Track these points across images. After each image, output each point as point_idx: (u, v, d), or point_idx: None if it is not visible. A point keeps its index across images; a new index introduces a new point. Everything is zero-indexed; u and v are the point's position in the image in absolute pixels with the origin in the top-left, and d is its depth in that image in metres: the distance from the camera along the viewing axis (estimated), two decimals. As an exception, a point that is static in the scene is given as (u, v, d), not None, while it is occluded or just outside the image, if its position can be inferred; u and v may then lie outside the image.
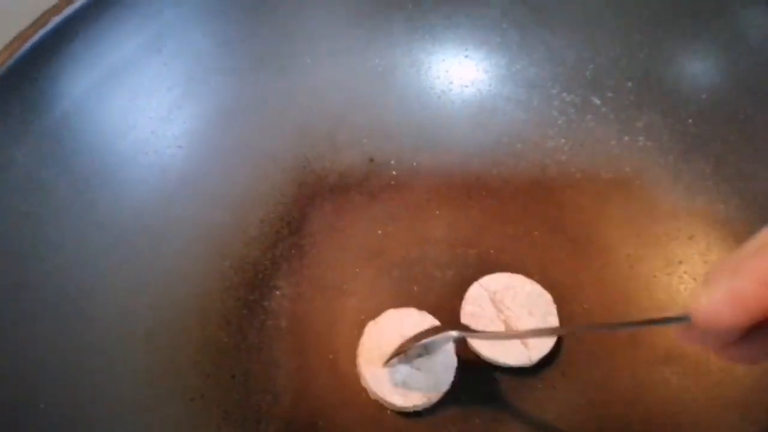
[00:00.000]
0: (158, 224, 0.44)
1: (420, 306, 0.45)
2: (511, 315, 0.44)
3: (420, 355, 0.42)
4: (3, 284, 0.36)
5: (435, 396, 0.41)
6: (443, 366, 0.42)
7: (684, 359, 0.42)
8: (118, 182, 0.42)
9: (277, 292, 0.46)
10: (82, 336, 0.39)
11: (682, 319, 0.26)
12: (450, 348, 0.42)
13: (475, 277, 0.46)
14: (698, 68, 0.47)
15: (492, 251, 0.48)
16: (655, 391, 0.41)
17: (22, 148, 0.37)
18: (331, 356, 0.44)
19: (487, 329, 0.43)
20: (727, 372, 0.41)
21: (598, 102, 0.50)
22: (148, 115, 0.44)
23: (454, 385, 0.42)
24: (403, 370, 0.42)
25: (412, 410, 0.41)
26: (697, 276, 0.44)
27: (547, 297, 0.44)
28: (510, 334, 0.43)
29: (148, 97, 0.44)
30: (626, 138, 0.49)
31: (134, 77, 0.43)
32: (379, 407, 0.42)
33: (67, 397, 0.36)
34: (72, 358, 0.37)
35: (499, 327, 0.43)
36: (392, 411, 0.42)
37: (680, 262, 0.45)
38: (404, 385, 0.41)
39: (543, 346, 0.42)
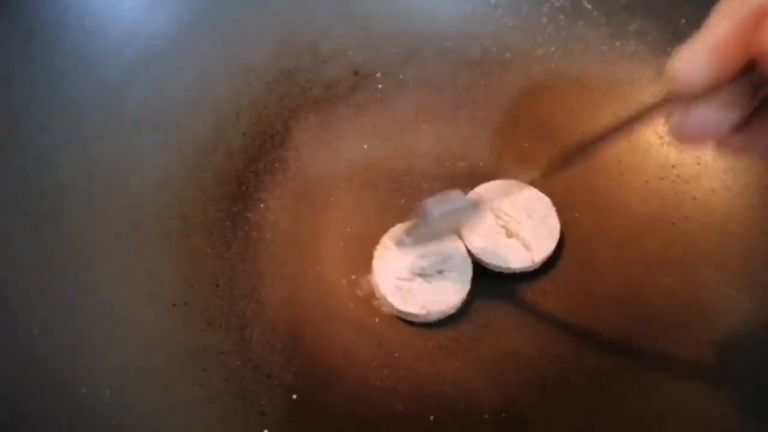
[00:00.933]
0: (132, 128, 0.42)
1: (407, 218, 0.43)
2: (510, 220, 0.43)
3: (438, 269, 0.41)
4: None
5: (433, 312, 0.40)
6: (454, 286, 0.41)
7: (675, 263, 0.41)
8: (92, 84, 0.41)
9: (261, 205, 0.45)
10: (61, 234, 0.37)
11: (668, 101, 0.25)
12: (467, 269, 0.41)
13: (464, 190, 0.45)
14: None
15: (481, 163, 0.47)
16: (645, 292, 0.41)
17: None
18: (317, 267, 0.43)
19: (487, 236, 0.42)
20: (719, 270, 0.40)
21: (589, 6, 0.48)
22: (123, 15, 0.42)
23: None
24: (416, 279, 0.41)
25: (405, 317, 0.41)
26: (690, 179, 0.44)
27: (546, 200, 0.43)
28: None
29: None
30: (617, 43, 0.48)
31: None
32: (367, 315, 0.42)
33: (47, 296, 0.35)
34: (52, 255, 0.36)
35: (499, 233, 0.42)
36: (380, 319, 0.41)
37: (673, 166, 0.44)
38: (408, 291, 0.40)
39: (545, 249, 0.41)
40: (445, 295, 0.40)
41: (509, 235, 0.42)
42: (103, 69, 0.41)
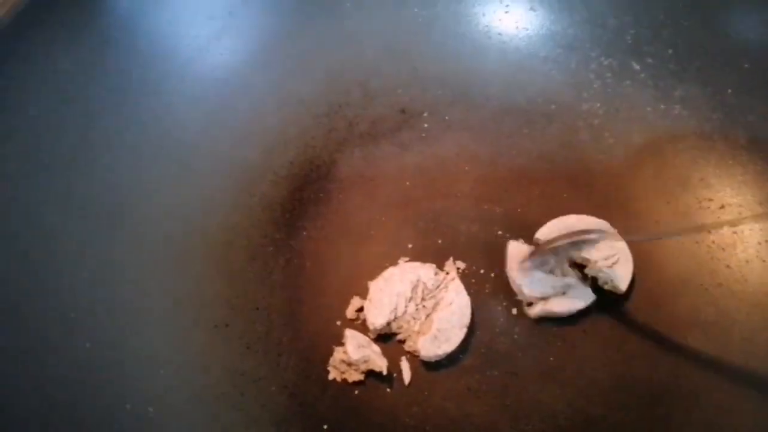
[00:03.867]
0: (190, 154, 0.44)
1: (444, 257, 0.45)
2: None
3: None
4: (49, 196, 0.36)
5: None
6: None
7: (706, 327, 0.42)
8: (154, 107, 0.42)
9: (304, 233, 0.47)
10: (115, 252, 0.39)
11: None
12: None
13: (503, 234, 0.46)
14: (743, 39, 0.46)
15: (519, 209, 0.48)
16: (675, 353, 0.41)
17: (67, 59, 0.37)
18: (354, 300, 0.44)
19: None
20: (748, 341, 0.41)
21: (637, 68, 0.49)
22: (187, 43, 0.44)
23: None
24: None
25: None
26: (726, 246, 0.44)
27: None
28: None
29: (188, 24, 0.44)
30: (662, 106, 0.49)
31: (178, 0, 0.43)
32: (398, 352, 0.43)
33: (100, 312, 0.37)
34: (105, 273, 0.38)
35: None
36: (410, 356, 0.42)
37: (709, 232, 0.45)
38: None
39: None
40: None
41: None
42: (166, 94, 0.43)
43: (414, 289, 0.43)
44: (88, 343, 0.35)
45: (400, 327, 0.42)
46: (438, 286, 0.43)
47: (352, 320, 0.44)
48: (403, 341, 0.43)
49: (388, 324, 0.42)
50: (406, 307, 0.42)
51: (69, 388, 0.34)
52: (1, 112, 0.36)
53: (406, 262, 0.45)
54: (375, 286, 0.43)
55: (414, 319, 0.42)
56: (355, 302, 0.44)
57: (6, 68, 0.36)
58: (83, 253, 0.38)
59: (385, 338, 0.43)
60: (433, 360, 0.41)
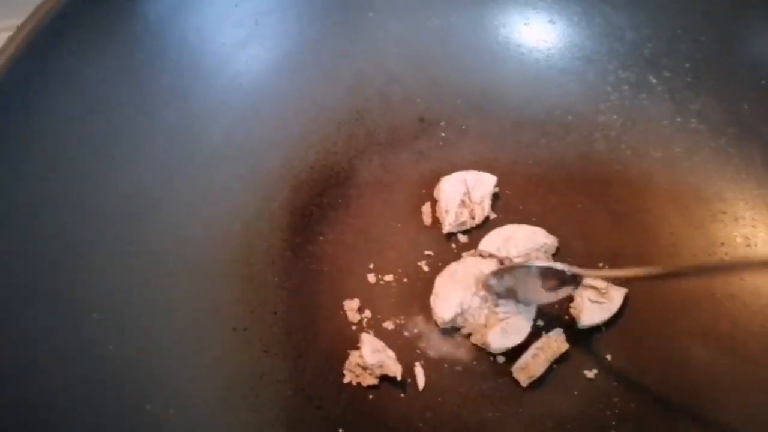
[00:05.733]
0: (214, 159, 0.45)
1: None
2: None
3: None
4: (74, 198, 0.37)
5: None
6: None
7: (720, 339, 0.42)
8: (180, 113, 0.43)
9: (321, 238, 0.47)
10: (136, 256, 0.40)
11: None
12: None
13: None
14: (760, 54, 0.47)
15: (534, 219, 0.49)
16: (687, 364, 0.42)
17: (98, 63, 0.38)
18: (370, 305, 0.45)
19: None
20: (762, 353, 0.41)
21: (654, 81, 0.50)
22: (214, 50, 0.45)
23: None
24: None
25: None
26: (738, 258, 0.45)
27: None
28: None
29: (215, 31, 0.45)
30: (679, 119, 0.49)
31: (206, 8, 0.44)
32: (413, 357, 0.43)
33: (122, 313, 0.38)
34: (129, 273, 0.39)
35: None
36: (425, 362, 0.43)
37: (722, 244, 0.46)
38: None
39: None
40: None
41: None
42: (192, 100, 0.44)
43: (477, 283, 0.43)
44: (111, 345, 0.36)
45: (465, 321, 0.43)
46: None
47: (353, 323, 0.44)
48: (468, 335, 0.44)
49: (455, 318, 0.43)
50: (471, 300, 0.43)
51: (92, 389, 0.34)
52: (31, 114, 0.37)
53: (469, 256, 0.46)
54: (440, 282, 0.44)
55: (480, 312, 0.43)
56: (352, 304, 0.45)
57: (37, 70, 0.37)
58: (107, 254, 0.39)
59: (452, 332, 0.44)
60: (501, 352, 0.42)
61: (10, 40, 0.35)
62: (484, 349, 0.43)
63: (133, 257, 0.40)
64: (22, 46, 0.36)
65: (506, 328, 0.42)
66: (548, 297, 0.42)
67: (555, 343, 0.42)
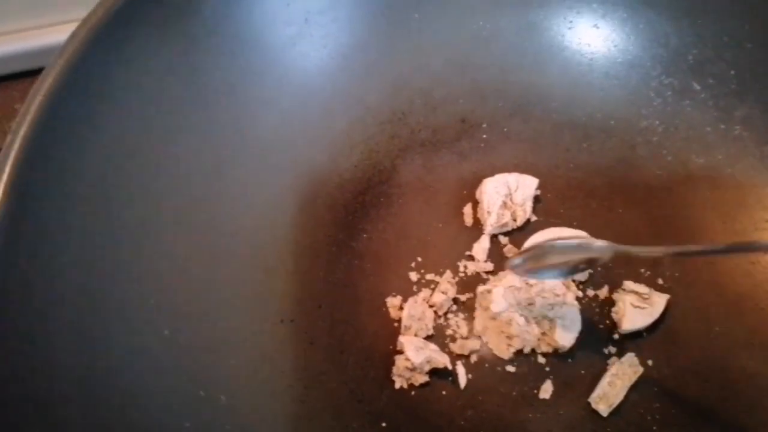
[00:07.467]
0: (264, 154, 0.46)
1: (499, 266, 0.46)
2: None
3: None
4: (134, 189, 0.38)
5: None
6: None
7: (762, 347, 0.42)
8: (233, 108, 0.44)
9: (364, 235, 0.48)
10: (189, 246, 0.40)
11: None
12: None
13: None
14: (807, 63, 0.47)
15: (575, 223, 0.49)
16: (729, 374, 0.42)
17: (158, 58, 0.39)
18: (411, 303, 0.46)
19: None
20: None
21: (697, 87, 0.50)
22: (265, 46, 0.45)
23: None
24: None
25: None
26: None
27: None
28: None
29: (268, 27, 0.45)
30: (722, 126, 0.49)
31: (258, 6, 0.44)
32: (455, 355, 0.44)
33: (177, 302, 0.38)
34: (179, 266, 0.39)
35: None
36: (467, 360, 0.43)
37: (765, 254, 0.46)
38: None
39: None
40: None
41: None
42: (243, 95, 0.45)
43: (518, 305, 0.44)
44: (167, 330, 0.37)
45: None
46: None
47: (395, 320, 0.45)
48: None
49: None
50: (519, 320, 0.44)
51: (150, 375, 0.35)
52: (93, 107, 0.37)
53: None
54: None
55: (529, 329, 0.44)
56: (394, 302, 0.45)
57: (100, 62, 0.38)
58: (164, 243, 0.40)
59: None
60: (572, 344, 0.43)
61: (75, 32, 0.36)
62: (521, 350, 0.44)
63: (187, 247, 0.40)
64: (86, 39, 0.37)
65: (564, 323, 0.43)
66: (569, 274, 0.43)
67: (630, 368, 0.42)
